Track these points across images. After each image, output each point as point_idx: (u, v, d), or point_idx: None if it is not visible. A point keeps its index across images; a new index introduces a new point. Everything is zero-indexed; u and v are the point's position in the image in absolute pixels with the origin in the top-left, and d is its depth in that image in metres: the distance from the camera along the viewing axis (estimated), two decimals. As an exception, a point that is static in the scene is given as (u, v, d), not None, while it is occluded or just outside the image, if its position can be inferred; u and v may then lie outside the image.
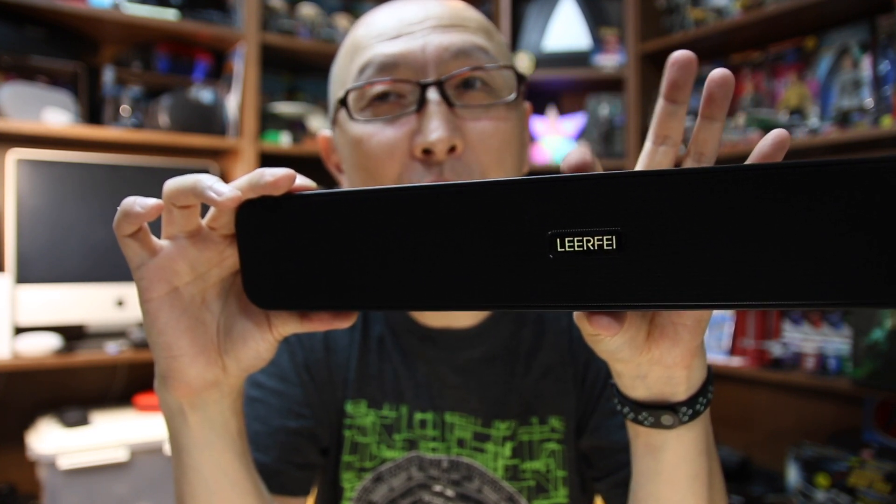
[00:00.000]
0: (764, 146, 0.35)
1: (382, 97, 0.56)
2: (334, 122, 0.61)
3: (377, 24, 0.58)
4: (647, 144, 0.39)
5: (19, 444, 1.77)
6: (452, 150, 0.54)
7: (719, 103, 0.36)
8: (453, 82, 0.55)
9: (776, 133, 0.35)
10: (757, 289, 0.29)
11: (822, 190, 0.28)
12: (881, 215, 0.27)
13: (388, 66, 0.55)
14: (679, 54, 0.36)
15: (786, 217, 0.28)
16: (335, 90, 0.61)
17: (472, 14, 0.60)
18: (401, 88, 0.55)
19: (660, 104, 0.37)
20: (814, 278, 0.28)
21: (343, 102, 0.57)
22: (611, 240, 0.31)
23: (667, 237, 0.30)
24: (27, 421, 1.80)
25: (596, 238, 0.31)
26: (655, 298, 0.31)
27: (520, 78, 0.59)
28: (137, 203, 0.37)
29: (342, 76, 0.59)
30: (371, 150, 0.55)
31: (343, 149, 0.60)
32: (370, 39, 0.57)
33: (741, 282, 0.29)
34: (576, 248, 0.31)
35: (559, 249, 0.31)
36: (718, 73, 0.35)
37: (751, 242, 0.29)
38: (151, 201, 0.37)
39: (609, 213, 0.31)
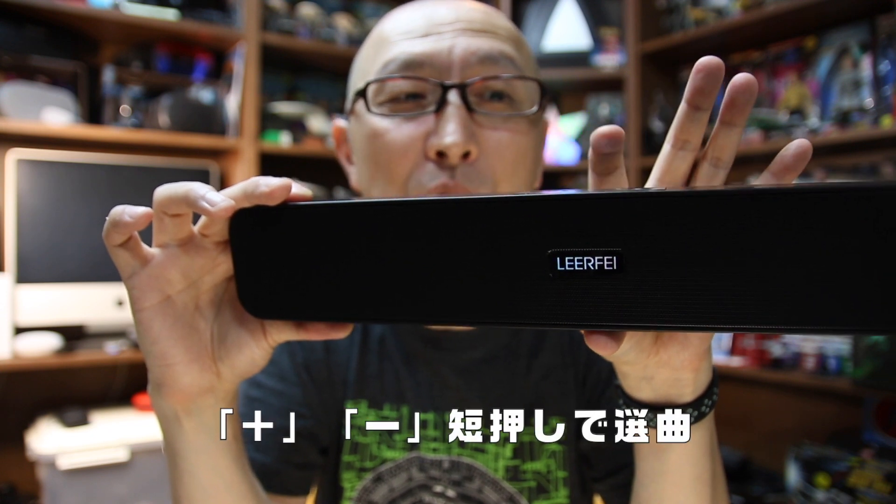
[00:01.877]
0: (786, 156, 0.35)
1: (403, 95, 0.55)
2: (351, 113, 0.61)
3: (406, 21, 0.57)
4: (667, 147, 0.38)
5: (19, 444, 1.76)
6: (466, 155, 0.53)
7: (741, 109, 0.35)
8: (476, 89, 0.55)
9: (799, 143, 0.34)
10: (756, 313, 0.29)
11: (824, 214, 0.27)
12: (882, 241, 0.27)
13: (412, 65, 0.55)
14: (706, 60, 0.35)
15: (787, 241, 0.28)
16: (356, 81, 0.60)
17: (503, 22, 0.59)
18: (422, 88, 0.55)
19: (682, 108, 0.36)
20: (814, 303, 0.28)
21: (363, 93, 0.57)
22: (611, 260, 0.30)
23: (668, 258, 0.30)
24: (27, 421, 1.80)
25: (596, 258, 0.31)
26: (655, 320, 0.30)
27: (543, 91, 0.58)
28: (126, 212, 0.36)
29: (365, 68, 0.59)
30: (386, 145, 0.55)
31: (357, 140, 0.60)
32: (398, 35, 0.56)
33: (741, 305, 0.29)
34: (576, 268, 0.31)
35: (559, 268, 0.31)
36: (742, 78, 0.34)
37: (751, 265, 0.29)
38: (140, 210, 0.36)
39: (610, 232, 0.30)
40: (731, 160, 0.37)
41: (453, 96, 0.53)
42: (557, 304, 0.32)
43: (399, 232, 0.34)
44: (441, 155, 0.53)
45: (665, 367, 0.39)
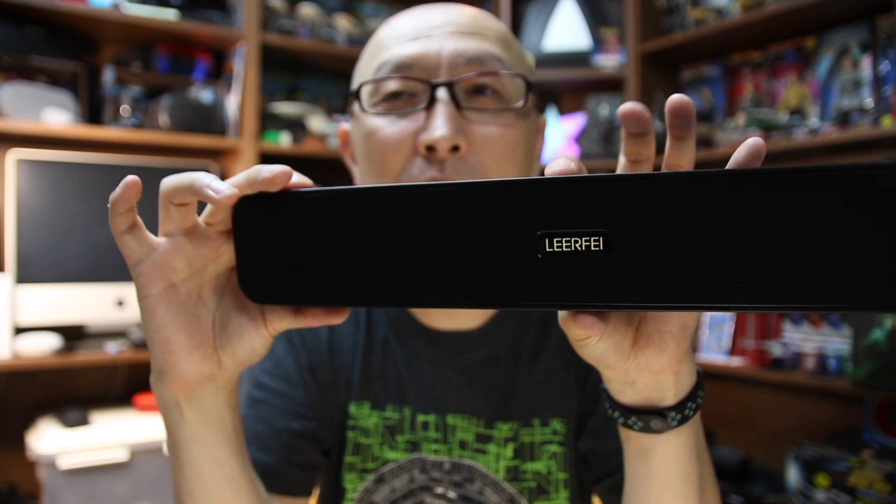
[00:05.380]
0: (739, 155, 0.34)
1: (396, 95, 0.58)
2: (351, 115, 0.63)
3: (399, 26, 0.60)
4: (622, 160, 0.38)
5: (19, 444, 1.76)
6: (456, 149, 0.55)
7: (685, 125, 0.35)
8: (464, 86, 0.57)
9: (752, 142, 0.34)
10: (741, 291, 0.29)
11: (808, 194, 0.28)
12: (874, 220, 0.27)
13: (403, 66, 0.57)
14: (626, 109, 0.35)
15: (772, 221, 0.29)
16: (355, 85, 0.63)
17: (493, 24, 0.61)
18: (413, 87, 0.57)
19: (624, 134, 0.37)
20: (798, 281, 0.29)
21: (357, 95, 0.59)
22: (598, 241, 0.31)
23: (653, 239, 0.31)
24: (27, 421, 1.80)
25: (584, 239, 0.31)
26: (641, 299, 0.31)
27: (529, 86, 0.59)
28: (118, 188, 0.37)
29: (361, 72, 0.62)
30: (378, 143, 0.57)
31: (356, 140, 0.62)
32: (390, 40, 0.59)
33: (726, 284, 0.30)
34: (564, 249, 0.32)
35: (548, 250, 0.32)
36: (674, 102, 0.35)
37: (735, 245, 0.29)
38: (127, 179, 0.37)
39: (597, 214, 0.31)
40: (691, 166, 0.37)
41: (442, 93, 0.55)
42: (546, 284, 0.32)
43: (393, 217, 0.35)
44: (430, 150, 0.55)
45: (645, 370, 0.39)
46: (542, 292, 0.33)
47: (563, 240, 0.32)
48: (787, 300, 0.29)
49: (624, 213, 0.31)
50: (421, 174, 0.55)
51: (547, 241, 0.32)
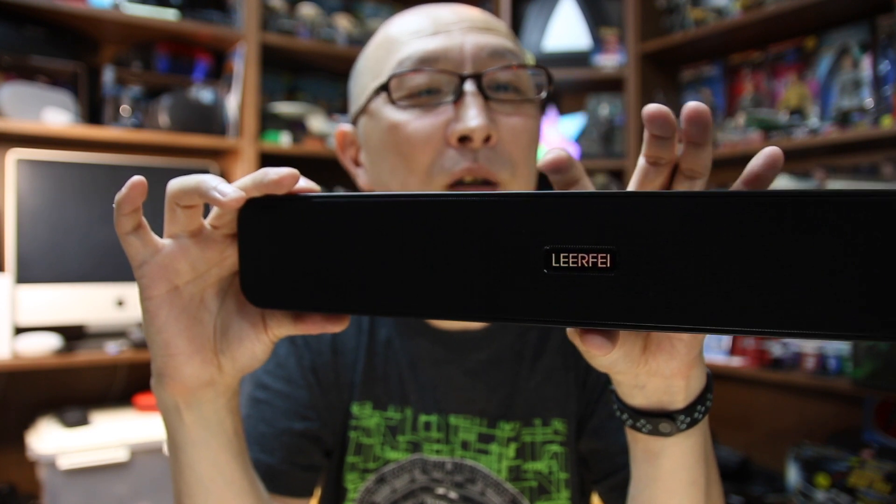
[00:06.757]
0: (756, 165, 0.34)
1: (420, 90, 0.58)
2: (363, 113, 0.62)
3: (412, 23, 0.60)
4: (641, 161, 0.37)
5: (19, 444, 1.76)
6: (487, 139, 0.56)
7: (701, 133, 0.34)
8: (487, 80, 0.57)
9: (769, 151, 0.33)
10: (748, 315, 0.29)
11: (818, 219, 0.28)
12: (880, 249, 0.27)
13: (428, 60, 0.57)
14: (651, 112, 0.33)
15: (781, 245, 0.28)
16: (365, 83, 0.62)
17: (498, 21, 0.63)
18: (438, 83, 0.57)
19: (647, 136, 0.35)
20: (806, 308, 0.28)
21: (385, 88, 0.58)
22: (605, 258, 0.31)
23: (661, 259, 0.30)
24: (27, 421, 1.80)
25: (591, 256, 0.31)
26: (647, 319, 0.31)
27: (549, 78, 0.61)
28: (124, 189, 0.37)
29: (376, 69, 0.61)
30: (407, 136, 0.57)
31: (374, 136, 0.61)
32: (407, 36, 0.59)
33: (733, 307, 0.29)
34: (570, 265, 0.31)
35: (554, 265, 0.32)
36: (690, 110, 0.33)
37: (744, 267, 0.29)
38: (133, 179, 0.37)
39: (605, 231, 0.31)
40: (707, 170, 0.37)
41: (470, 86, 0.56)
42: (551, 300, 0.32)
43: (400, 226, 0.35)
44: (463, 140, 0.55)
45: (655, 375, 0.39)
46: (547, 308, 0.32)
47: (570, 255, 0.31)
48: (795, 325, 0.28)
49: (632, 232, 0.30)
50: (454, 165, 0.55)
51: (553, 256, 0.31)
